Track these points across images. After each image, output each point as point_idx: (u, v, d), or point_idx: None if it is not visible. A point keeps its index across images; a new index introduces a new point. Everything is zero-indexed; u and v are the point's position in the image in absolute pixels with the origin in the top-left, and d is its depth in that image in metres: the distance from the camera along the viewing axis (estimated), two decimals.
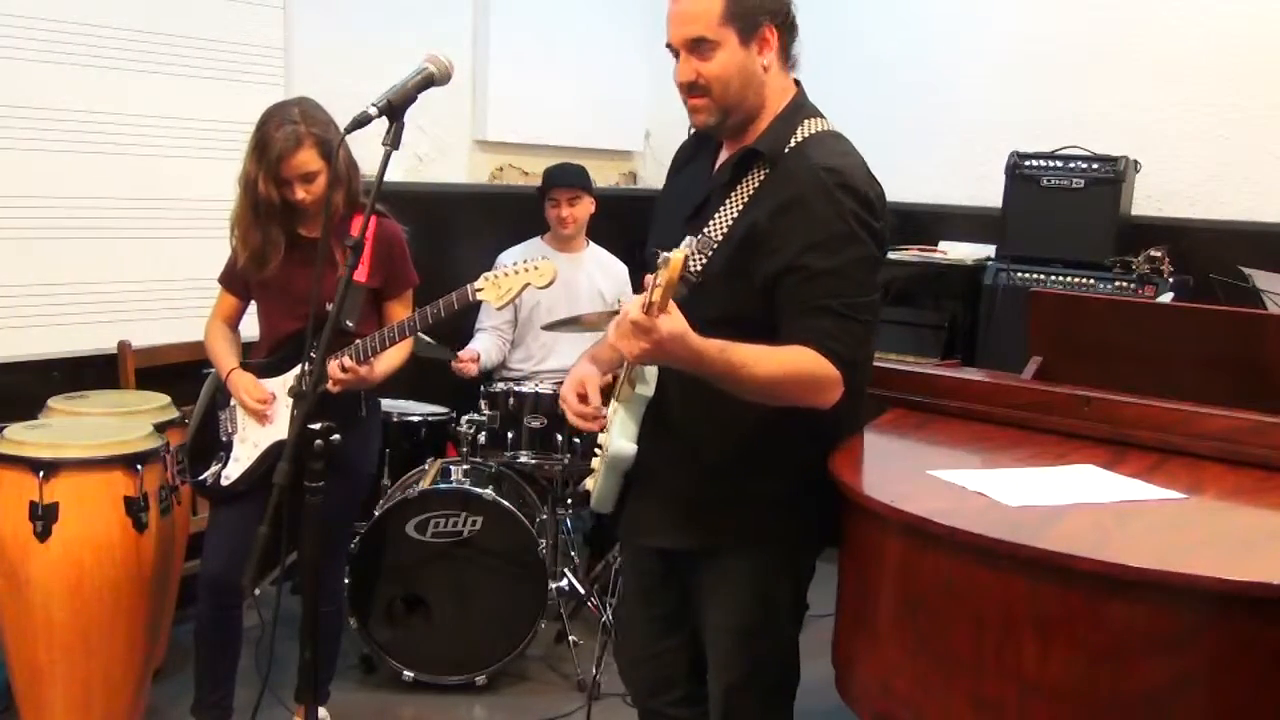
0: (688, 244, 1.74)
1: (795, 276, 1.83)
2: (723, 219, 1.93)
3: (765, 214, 1.88)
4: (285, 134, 2.60)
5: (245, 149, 2.68)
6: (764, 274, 1.86)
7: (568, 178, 3.90)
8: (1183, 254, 3.90)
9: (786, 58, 1.97)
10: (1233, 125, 4.03)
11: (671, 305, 1.69)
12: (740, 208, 1.92)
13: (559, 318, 3.62)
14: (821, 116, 1.99)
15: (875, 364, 2.24)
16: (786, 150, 1.92)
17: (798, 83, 2.01)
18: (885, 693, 1.81)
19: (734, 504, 1.97)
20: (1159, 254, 3.79)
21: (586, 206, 3.93)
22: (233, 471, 2.79)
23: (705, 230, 1.94)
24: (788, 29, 1.94)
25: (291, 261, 2.74)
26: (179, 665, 3.27)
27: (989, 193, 4.24)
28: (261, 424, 2.78)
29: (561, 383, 3.54)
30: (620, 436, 1.99)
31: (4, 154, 3.18)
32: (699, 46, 1.90)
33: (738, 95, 1.93)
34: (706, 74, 1.91)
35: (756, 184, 1.92)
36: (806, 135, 1.93)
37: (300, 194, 2.65)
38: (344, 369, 2.61)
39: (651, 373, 1.97)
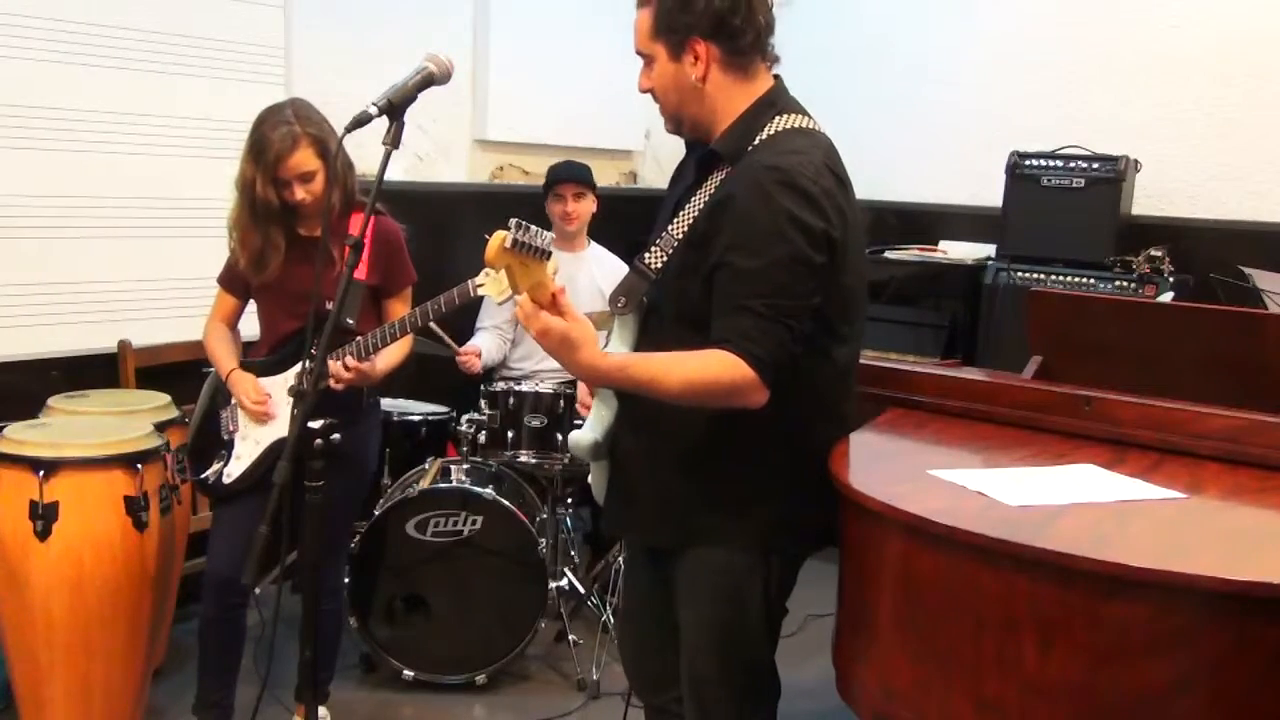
0: (518, 226, 1.70)
1: (723, 274, 1.84)
2: (684, 219, 1.96)
3: (706, 213, 1.92)
4: (281, 134, 2.60)
5: (241, 152, 2.68)
6: (703, 272, 1.88)
7: (573, 172, 3.92)
8: (1183, 254, 3.91)
9: (739, 65, 1.94)
10: (1233, 125, 4.03)
11: (582, 319, 1.79)
12: (699, 208, 1.94)
13: None
14: (798, 113, 1.97)
15: (875, 364, 2.26)
16: (750, 149, 1.91)
17: (778, 78, 2.01)
18: (885, 693, 1.81)
19: (702, 502, 1.97)
20: (1159, 254, 3.80)
21: (589, 204, 3.94)
22: (235, 469, 2.79)
23: (669, 230, 1.97)
24: (726, 38, 1.92)
25: (290, 261, 2.74)
26: (179, 664, 3.28)
27: (989, 192, 4.24)
28: (262, 424, 2.78)
29: (562, 382, 3.60)
30: (588, 426, 2.06)
31: (4, 153, 3.18)
32: (642, 59, 1.99)
33: (675, 105, 1.99)
34: (649, 85, 2.00)
35: (716, 184, 1.94)
36: (772, 132, 1.92)
37: (300, 194, 2.65)
38: (347, 368, 2.62)
39: None
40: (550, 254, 1.74)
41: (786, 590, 2.07)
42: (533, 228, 1.70)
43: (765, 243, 1.80)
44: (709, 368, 1.79)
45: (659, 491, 2.00)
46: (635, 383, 1.83)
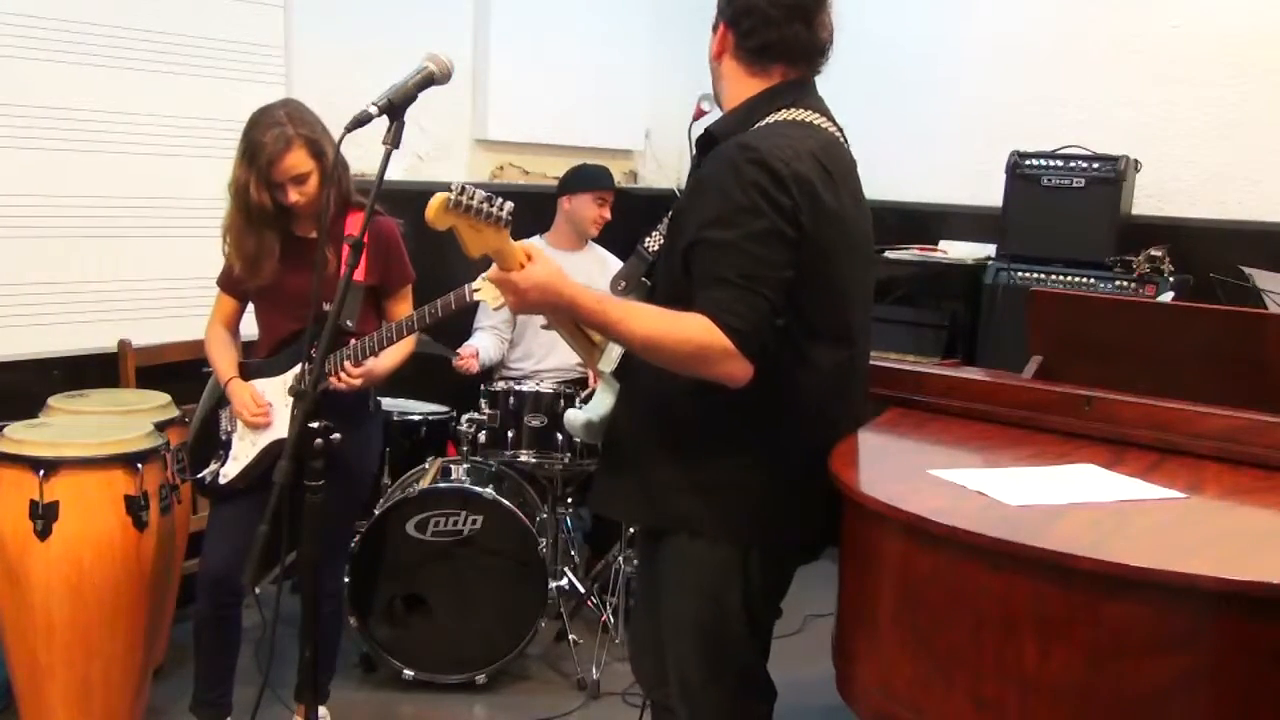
0: (459, 189, 1.73)
1: (699, 249, 1.85)
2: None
3: (685, 193, 1.96)
4: (274, 137, 2.59)
5: (234, 155, 2.68)
6: (679, 249, 1.89)
7: (612, 182, 3.96)
8: (1183, 253, 3.91)
9: (748, 60, 1.98)
10: (1233, 125, 4.03)
11: (541, 256, 1.82)
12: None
13: None
14: (812, 109, 1.98)
15: (876, 364, 2.25)
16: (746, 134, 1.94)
17: (804, 77, 2.01)
18: (885, 692, 1.81)
19: (679, 488, 1.97)
20: (1159, 253, 3.79)
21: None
22: (231, 470, 2.79)
23: (669, 214, 2.02)
24: (739, 33, 1.97)
25: (286, 263, 2.73)
26: (179, 664, 3.27)
27: (989, 192, 4.24)
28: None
29: (562, 382, 3.60)
30: (586, 407, 2.11)
31: (4, 153, 3.18)
32: None
33: (711, 75, 2.07)
34: None
35: None
36: (771, 121, 1.94)
37: (293, 196, 2.65)
38: (349, 373, 2.62)
39: (613, 349, 2.03)
40: (508, 222, 1.76)
41: (772, 592, 2.06)
42: (479, 192, 1.73)
43: (738, 216, 1.81)
44: (687, 327, 1.80)
45: (641, 474, 2.01)
46: (607, 318, 1.83)
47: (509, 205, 1.76)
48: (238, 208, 2.69)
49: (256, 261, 2.71)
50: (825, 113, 2.01)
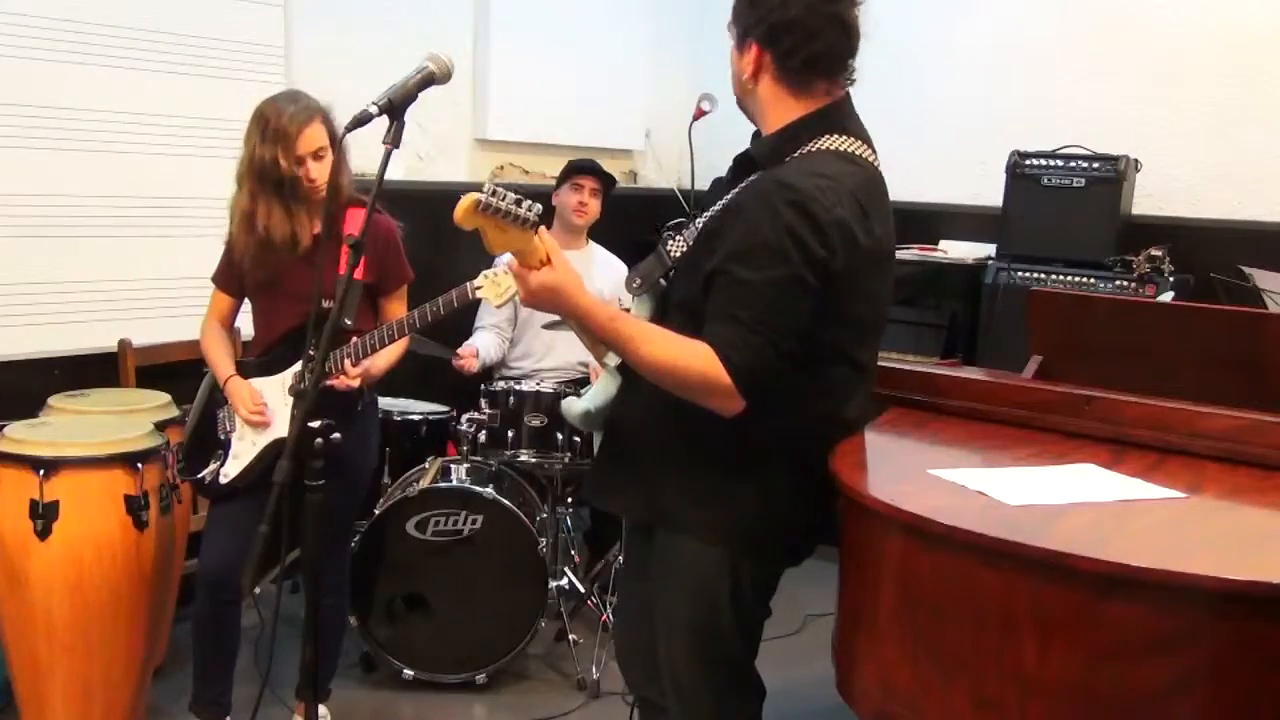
0: (489, 188, 1.74)
1: (720, 280, 1.85)
2: (710, 216, 1.99)
3: (719, 214, 1.94)
4: (295, 110, 2.63)
5: (247, 143, 2.67)
6: (703, 270, 1.89)
7: (597, 168, 3.94)
8: (1183, 253, 3.90)
9: (789, 80, 1.94)
10: (1233, 125, 4.03)
11: (561, 261, 1.84)
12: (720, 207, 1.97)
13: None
14: (852, 135, 1.96)
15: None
16: (786, 161, 1.91)
17: (846, 96, 2.00)
18: (885, 692, 1.81)
19: (674, 486, 1.98)
20: (1159, 253, 3.79)
21: (598, 205, 3.95)
22: (231, 469, 2.79)
23: (696, 223, 2.01)
24: (780, 52, 1.92)
25: (284, 260, 2.73)
26: (179, 663, 3.27)
27: (989, 192, 4.24)
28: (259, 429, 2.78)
29: (562, 381, 3.60)
30: (586, 396, 2.12)
31: (4, 152, 3.18)
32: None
33: (736, 93, 2.03)
34: None
35: (742, 187, 1.96)
36: (812, 150, 1.92)
37: (314, 172, 2.66)
38: (348, 373, 2.62)
39: None
40: (536, 224, 1.77)
41: (762, 591, 2.06)
42: (509, 194, 1.74)
43: (765, 258, 1.80)
44: (692, 357, 1.81)
45: (639, 470, 2.02)
46: (618, 336, 1.85)
47: (537, 208, 1.76)
48: (263, 186, 2.67)
49: (294, 238, 2.69)
50: (865, 138, 1.99)
